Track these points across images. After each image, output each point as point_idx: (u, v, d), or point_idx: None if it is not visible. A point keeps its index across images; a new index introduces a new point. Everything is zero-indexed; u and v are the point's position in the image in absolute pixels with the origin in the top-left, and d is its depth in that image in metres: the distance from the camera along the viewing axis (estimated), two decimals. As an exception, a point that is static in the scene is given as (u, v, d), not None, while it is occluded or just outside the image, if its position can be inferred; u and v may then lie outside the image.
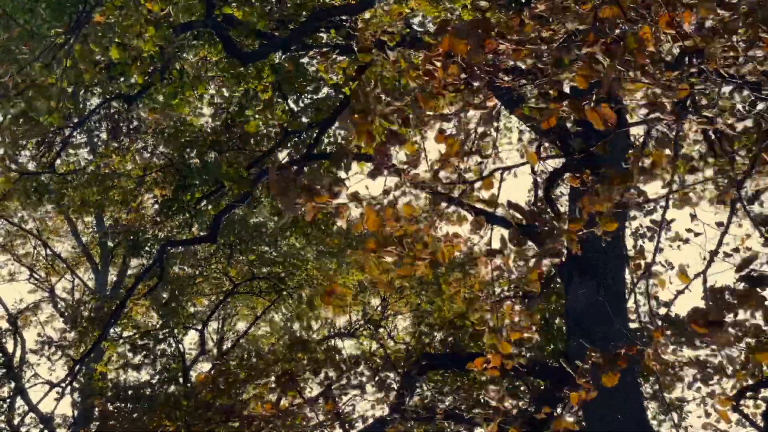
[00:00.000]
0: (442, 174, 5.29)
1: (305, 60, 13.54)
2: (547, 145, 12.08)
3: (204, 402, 10.77)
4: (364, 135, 4.89)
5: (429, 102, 4.70)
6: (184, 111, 13.87)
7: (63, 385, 13.54)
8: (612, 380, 5.68)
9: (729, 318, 4.56)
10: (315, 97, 13.77)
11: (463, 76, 4.66)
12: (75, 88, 12.10)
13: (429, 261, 5.50)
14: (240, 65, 12.47)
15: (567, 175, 10.74)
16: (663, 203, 6.29)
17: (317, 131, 13.40)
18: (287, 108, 13.60)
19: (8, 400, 19.47)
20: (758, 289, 4.61)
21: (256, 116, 13.33)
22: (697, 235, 9.35)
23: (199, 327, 19.00)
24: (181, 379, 16.49)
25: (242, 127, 13.69)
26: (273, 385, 10.84)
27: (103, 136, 19.62)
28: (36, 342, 19.38)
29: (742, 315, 4.65)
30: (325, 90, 13.78)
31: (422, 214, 5.75)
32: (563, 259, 10.72)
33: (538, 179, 10.33)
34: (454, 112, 5.01)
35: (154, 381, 15.94)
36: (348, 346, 18.50)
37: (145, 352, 16.71)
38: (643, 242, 13.53)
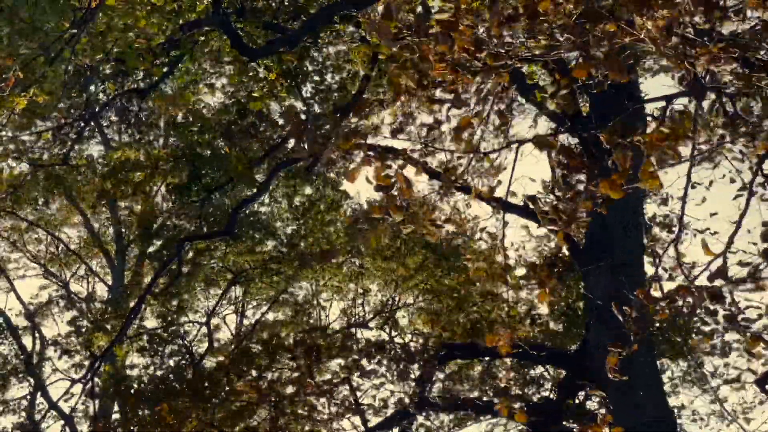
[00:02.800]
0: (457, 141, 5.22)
1: (315, 53, 13.42)
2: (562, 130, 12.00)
3: (235, 368, 10.73)
4: (399, 86, 4.84)
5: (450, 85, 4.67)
6: (190, 99, 13.76)
7: (84, 380, 13.62)
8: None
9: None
10: (326, 85, 13.63)
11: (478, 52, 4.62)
12: (83, 80, 12.00)
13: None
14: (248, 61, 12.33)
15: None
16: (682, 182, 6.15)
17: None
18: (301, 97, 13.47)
19: (28, 397, 19.52)
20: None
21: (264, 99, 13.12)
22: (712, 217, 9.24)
23: (205, 321, 18.93)
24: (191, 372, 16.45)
25: (253, 114, 13.53)
26: (294, 370, 10.85)
27: (115, 129, 19.62)
28: (48, 342, 19.41)
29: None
30: (338, 78, 13.63)
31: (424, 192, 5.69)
32: (581, 247, 10.69)
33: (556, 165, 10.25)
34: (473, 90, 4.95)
35: (163, 375, 15.83)
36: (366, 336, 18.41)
37: (152, 353, 16.64)
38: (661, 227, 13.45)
